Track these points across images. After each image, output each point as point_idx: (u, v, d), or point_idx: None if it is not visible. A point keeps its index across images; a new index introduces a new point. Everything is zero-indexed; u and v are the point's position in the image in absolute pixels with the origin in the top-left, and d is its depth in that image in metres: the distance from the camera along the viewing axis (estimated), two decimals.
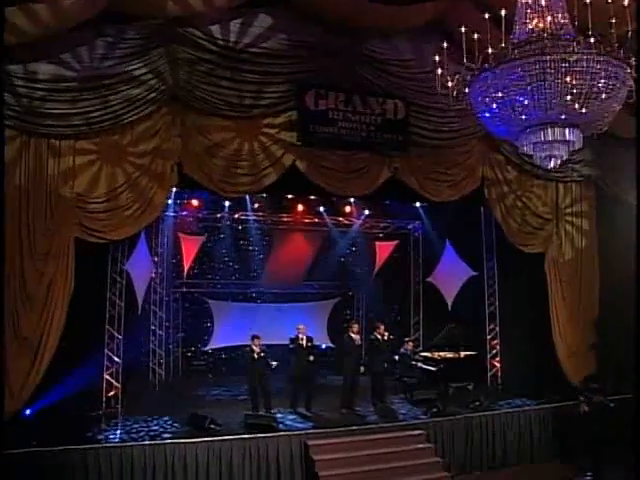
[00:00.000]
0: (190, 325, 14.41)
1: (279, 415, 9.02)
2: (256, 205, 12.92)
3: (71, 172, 8.07)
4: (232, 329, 13.78)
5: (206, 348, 14.43)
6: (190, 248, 12.94)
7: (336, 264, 14.65)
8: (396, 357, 10.53)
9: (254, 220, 13.14)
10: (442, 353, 10.84)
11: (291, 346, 9.32)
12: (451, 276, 12.73)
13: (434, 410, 9.13)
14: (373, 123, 9.17)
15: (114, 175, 8.21)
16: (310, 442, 7.90)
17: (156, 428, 8.25)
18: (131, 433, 7.98)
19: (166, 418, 8.75)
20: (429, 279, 13.49)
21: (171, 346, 14.05)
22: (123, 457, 7.21)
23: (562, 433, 9.56)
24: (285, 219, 13.33)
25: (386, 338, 10.01)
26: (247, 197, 12.50)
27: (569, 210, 11.10)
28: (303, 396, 9.43)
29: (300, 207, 13.28)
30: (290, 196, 12.58)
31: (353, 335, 9.60)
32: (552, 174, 10.71)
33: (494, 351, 11.87)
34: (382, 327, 10.05)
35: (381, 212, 13.60)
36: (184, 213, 12.64)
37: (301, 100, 8.80)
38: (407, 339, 11.29)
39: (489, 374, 11.80)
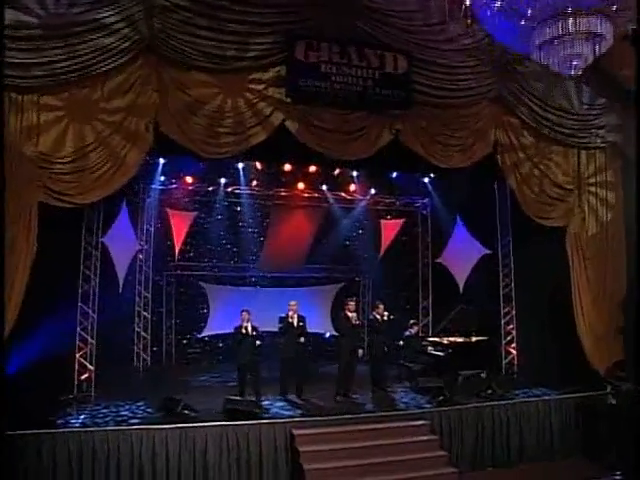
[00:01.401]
0: (184, 310, 13.60)
1: (266, 402, 8.16)
2: (253, 183, 12.08)
3: (35, 129, 7.31)
4: (229, 315, 12.78)
5: (201, 335, 13.62)
6: (180, 225, 12.10)
7: (339, 246, 13.70)
8: (400, 342, 9.49)
9: (250, 195, 12.25)
10: (451, 338, 9.90)
11: (280, 326, 8.42)
12: (463, 256, 11.71)
13: (440, 398, 8.15)
14: (371, 77, 8.21)
15: (82, 133, 7.44)
16: (296, 431, 6.99)
17: (125, 413, 7.42)
18: (96, 418, 7.16)
19: (140, 403, 7.91)
20: (439, 260, 12.47)
21: (164, 332, 13.33)
22: (83, 443, 6.39)
23: (586, 426, 8.50)
24: (284, 194, 12.42)
25: (385, 318, 9.05)
26: (241, 171, 11.69)
27: (593, 180, 9.96)
28: (294, 382, 8.52)
29: (301, 185, 12.40)
30: (288, 168, 11.68)
31: (349, 314, 8.65)
32: (573, 139, 9.76)
33: (509, 336, 10.81)
34: (381, 306, 9.11)
35: (386, 188, 12.62)
36: (173, 186, 11.80)
37: (290, 52, 7.90)
38: (412, 321, 10.29)
39: (504, 362, 10.74)
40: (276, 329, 8.90)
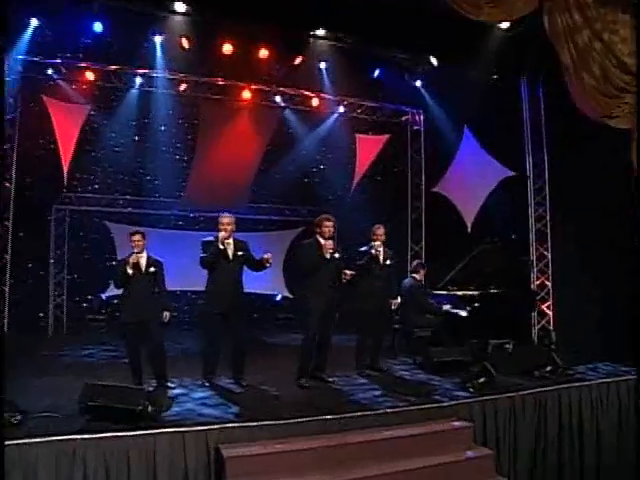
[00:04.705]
0: (83, 261, 9.76)
1: (178, 391, 4.61)
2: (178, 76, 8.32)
3: None
4: None
5: (106, 295, 9.82)
6: (67, 126, 8.11)
7: (298, 174, 10.24)
8: (397, 298, 5.93)
9: (170, 85, 8.41)
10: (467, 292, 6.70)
11: (203, 255, 4.79)
12: (472, 182, 8.41)
13: (480, 381, 4.80)
14: None
15: None
16: (227, 451, 3.47)
17: None
18: None
19: None
20: (436, 189, 9.09)
21: (53, 292, 9.48)
22: None
23: None
24: (220, 87, 8.66)
25: (388, 260, 5.63)
26: (158, 47, 7.87)
27: None
28: (226, 357, 4.98)
29: (246, 92, 8.79)
30: (228, 50, 7.89)
31: (322, 241, 5.15)
32: None
33: (543, 292, 7.64)
34: (382, 230, 5.61)
35: (366, 90, 9.09)
36: (55, 61, 7.74)
37: None
38: (417, 262, 6.83)
39: (536, 327, 7.58)
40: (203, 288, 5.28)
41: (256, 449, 3.51)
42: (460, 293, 6.81)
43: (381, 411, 4.15)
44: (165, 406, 3.91)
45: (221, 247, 4.74)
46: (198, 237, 9.21)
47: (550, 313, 7.52)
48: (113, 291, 9.91)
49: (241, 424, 3.70)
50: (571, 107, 7.02)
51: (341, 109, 9.44)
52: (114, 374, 5.15)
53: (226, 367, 5.02)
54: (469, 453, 4.02)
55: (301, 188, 10.65)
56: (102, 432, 3.41)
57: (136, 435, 3.43)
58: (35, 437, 3.28)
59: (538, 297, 7.45)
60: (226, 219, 4.84)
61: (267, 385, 4.97)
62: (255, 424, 3.70)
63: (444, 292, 6.96)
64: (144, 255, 4.87)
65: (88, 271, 9.81)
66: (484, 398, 4.63)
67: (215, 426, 3.64)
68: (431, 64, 8.12)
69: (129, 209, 10.03)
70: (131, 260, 4.73)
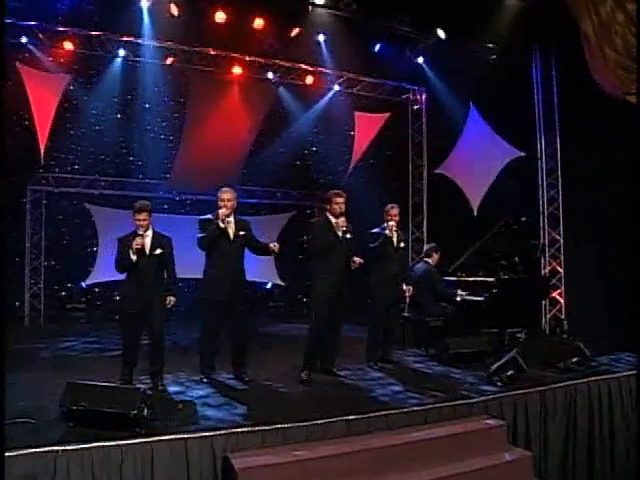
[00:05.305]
0: (62, 246, 9.12)
1: (174, 388, 4.09)
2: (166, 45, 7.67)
3: None
4: None
5: (86, 283, 9.20)
6: (44, 99, 7.40)
7: (292, 154, 9.68)
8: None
9: (154, 56, 7.75)
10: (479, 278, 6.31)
11: (202, 235, 4.23)
12: (479, 162, 7.97)
13: (509, 374, 4.36)
14: None
15: None
16: (238, 461, 2.97)
17: None
18: None
19: None
20: (439, 170, 8.62)
21: (29, 280, 8.82)
22: None
23: None
24: (211, 59, 8.03)
25: (402, 243, 5.17)
26: (145, 13, 7.23)
27: None
28: (232, 346, 4.47)
29: (237, 69, 8.19)
30: (221, 18, 7.28)
31: (332, 219, 4.65)
32: None
33: (555, 277, 7.25)
34: (396, 210, 5.16)
35: (366, 66, 8.55)
36: (30, 23, 6.98)
37: None
38: (430, 246, 6.36)
39: (548, 315, 7.20)
40: (198, 276, 4.70)
41: (272, 458, 3.01)
42: (471, 279, 6.40)
43: (408, 409, 3.69)
44: (169, 413, 3.39)
45: (222, 226, 4.19)
46: (184, 221, 8.80)
47: (562, 301, 7.14)
48: (94, 279, 9.36)
49: (251, 428, 3.19)
50: (587, 83, 6.62)
51: (339, 85, 8.88)
52: (99, 369, 4.65)
53: (221, 360, 4.52)
54: (507, 456, 3.59)
55: (294, 170, 10.12)
56: (89, 441, 2.88)
57: (130, 444, 2.91)
58: (8, 450, 2.72)
59: (551, 284, 7.06)
60: (227, 194, 4.28)
61: (271, 381, 4.47)
62: (268, 428, 3.20)
63: (453, 278, 6.53)
64: (149, 234, 4.22)
65: (67, 257, 9.20)
66: (514, 393, 4.21)
67: (222, 431, 3.13)
68: (438, 37, 7.61)
69: (110, 191, 9.40)
70: (135, 245, 4.05)
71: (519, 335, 6.48)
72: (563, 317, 7.11)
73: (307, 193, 10.56)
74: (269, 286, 10.79)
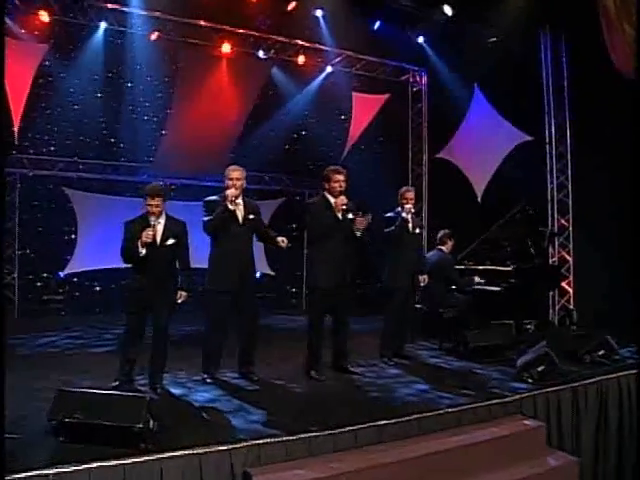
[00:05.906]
0: (38, 234, 8.49)
1: (175, 390, 3.65)
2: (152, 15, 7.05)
3: None
4: (110, 242, 7.90)
5: (64, 273, 8.60)
6: (17, 72, 6.71)
7: (284, 139, 9.22)
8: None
9: (139, 28, 7.15)
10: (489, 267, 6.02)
11: (209, 218, 3.76)
12: (484, 147, 7.64)
13: (540, 369, 4.03)
14: None
15: None
16: (255, 474, 2.56)
17: None
18: None
19: None
20: (441, 155, 8.26)
21: (2, 270, 8.15)
22: None
23: None
24: (201, 33, 7.46)
25: (416, 224, 4.81)
26: None
27: None
28: (240, 342, 4.05)
29: (227, 46, 7.62)
30: None
31: (331, 198, 4.21)
32: None
33: (564, 266, 6.98)
34: (412, 193, 4.78)
35: (365, 45, 8.10)
36: None
37: None
38: (445, 231, 5.95)
39: (557, 306, 6.93)
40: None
41: (303, 473, 2.60)
42: (481, 268, 6.09)
43: (442, 411, 3.32)
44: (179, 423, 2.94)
45: (231, 208, 3.73)
46: (169, 207, 8.24)
47: (571, 291, 6.88)
48: (72, 268, 8.77)
49: (275, 439, 2.78)
50: (598, 65, 6.35)
51: (335, 65, 8.42)
52: (88, 369, 4.15)
53: (223, 356, 4.08)
54: (551, 461, 3.26)
55: (285, 154, 9.63)
56: (85, 461, 2.42)
57: (134, 463, 2.46)
58: None
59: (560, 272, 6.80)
60: (236, 172, 3.82)
61: (283, 380, 4.06)
62: (294, 438, 2.79)
63: (461, 267, 6.21)
64: (161, 222, 3.73)
65: (43, 245, 8.55)
66: (547, 390, 3.89)
67: (242, 444, 2.70)
68: (444, 13, 7.21)
69: (90, 175, 8.78)
70: (144, 238, 3.57)
71: (529, 326, 6.23)
72: (572, 307, 6.86)
73: (298, 179, 10.11)
74: (257, 275, 10.33)
